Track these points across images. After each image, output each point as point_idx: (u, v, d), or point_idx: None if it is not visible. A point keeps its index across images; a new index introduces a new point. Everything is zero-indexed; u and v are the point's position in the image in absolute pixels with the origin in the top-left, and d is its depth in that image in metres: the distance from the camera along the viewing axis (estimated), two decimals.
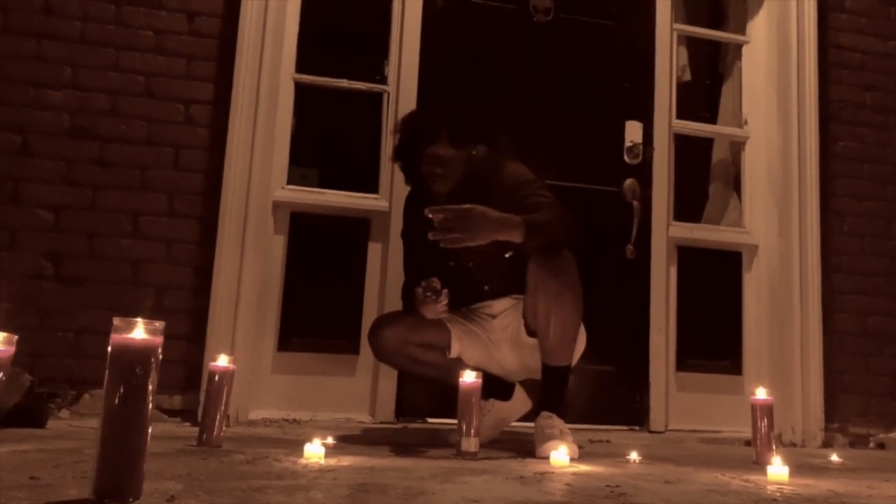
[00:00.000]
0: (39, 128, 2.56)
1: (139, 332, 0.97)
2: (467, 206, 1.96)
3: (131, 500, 0.96)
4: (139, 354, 0.96)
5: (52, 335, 2.48)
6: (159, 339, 0.98)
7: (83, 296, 2.52)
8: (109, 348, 0.96)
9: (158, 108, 2.65)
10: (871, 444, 3.02)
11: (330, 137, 3.19)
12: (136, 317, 2.57)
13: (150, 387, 0.96)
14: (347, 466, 1.54)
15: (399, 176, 2.85)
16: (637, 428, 2.98)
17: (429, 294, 2.03)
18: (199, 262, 2.61)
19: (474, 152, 2.24)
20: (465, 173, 2.23)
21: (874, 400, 3.08)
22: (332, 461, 1.60)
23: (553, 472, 1.64)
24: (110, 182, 2.59)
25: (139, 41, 2.67)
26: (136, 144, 2.62)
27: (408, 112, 2.58)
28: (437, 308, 2.05)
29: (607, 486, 1.43)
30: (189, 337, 2.54)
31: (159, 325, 1.00)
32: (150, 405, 0.96)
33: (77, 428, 2.17)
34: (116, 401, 0.95)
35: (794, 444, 2.93)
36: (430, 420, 2.79)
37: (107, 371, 0.96)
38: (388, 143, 2.91)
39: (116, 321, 0.97)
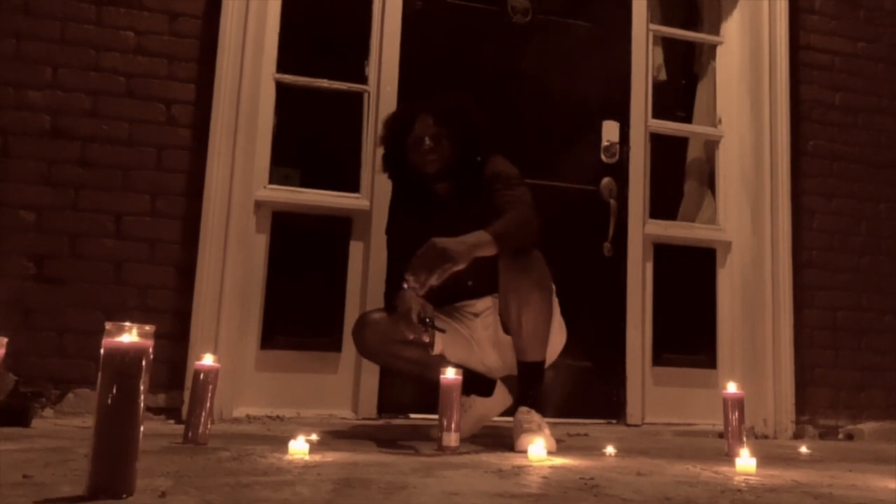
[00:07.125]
0: (19, 129, 2.56)
1: (130, 335, 1.00)
2: (426, 246, 1.96)
3: (124, 496, 0.99)
4: (130, 357, 1.00)
5: (36, 335, 2.50)
6: (150, 343, 1.02)
7: (66, 296, 2.54)
8: (102, 351, 1.00)
9: (140, 108, 2.67)
10: (840, 436, 3.11)
11: (311, 137, 3.22)
12: (119, 316, 2.59)
13: (142, 387, 1.00)
14: (331, 462, 1.58)
15: (381, 176, 2.89)
16: (614, 421, 3.05)
17: (426, 329, 2.07)
18: (182, 262, 2.64)
19: (460, 130, 2.27)
20: (454, 158, 2.26)
21: (843, 392, 3.17)
22: (317, 457, 1.64)
23: (530, 466, 1.70)
24: (92, 183, 2.60)
25: (120, 42, 2.68)
26: (118, 145, 2.64)
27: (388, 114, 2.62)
28: (424, 339, 2.10)
29: (581, 478, 1.49)
30: (173, 336, 2.57)
31: (149, 328, 1.03)
32: (142, 405, 1.00)
33: (62, 427, 2.19)
34: (109, 401, 0.98)
35: (766, 437, 3.02)
36: (412, 416, 2.84)
37: (100, 373, 1.00)
38: (369, 143, 2.95)
39: (108, 325, 1.00)
